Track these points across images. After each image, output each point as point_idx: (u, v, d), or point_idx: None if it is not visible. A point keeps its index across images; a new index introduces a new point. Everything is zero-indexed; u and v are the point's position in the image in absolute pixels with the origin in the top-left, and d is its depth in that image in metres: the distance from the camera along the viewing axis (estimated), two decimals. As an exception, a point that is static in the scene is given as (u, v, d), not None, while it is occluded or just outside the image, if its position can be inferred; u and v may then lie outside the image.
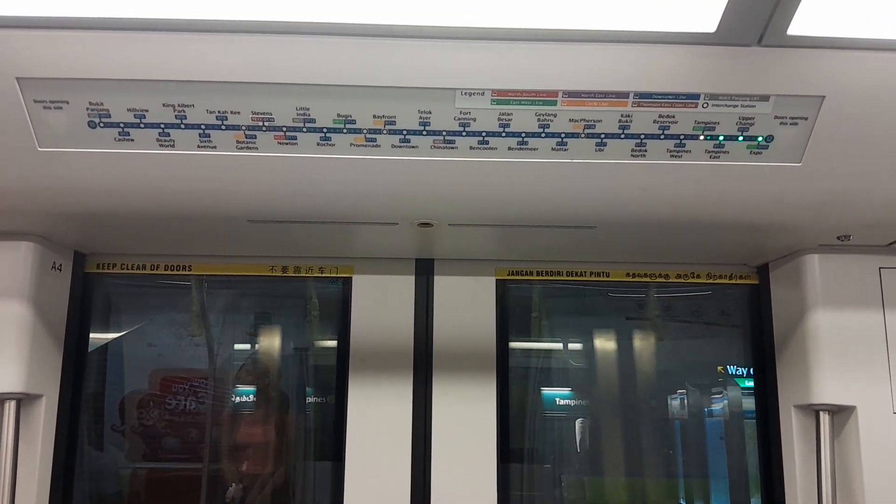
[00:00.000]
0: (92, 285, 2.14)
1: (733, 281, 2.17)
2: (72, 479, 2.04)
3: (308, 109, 1.42)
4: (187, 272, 2.15)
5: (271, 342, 2.37)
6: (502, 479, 2.00)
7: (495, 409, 2.03)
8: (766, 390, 2.08)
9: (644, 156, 1.50)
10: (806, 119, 1.44)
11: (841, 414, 1.87)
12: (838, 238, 1.83)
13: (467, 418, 2.02)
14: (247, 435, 2.26)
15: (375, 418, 2.02)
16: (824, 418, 1.86)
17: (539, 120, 1.44)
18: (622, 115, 1.43)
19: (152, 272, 2.13)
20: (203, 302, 2.23)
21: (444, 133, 1.46)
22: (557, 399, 2.33)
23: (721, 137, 1.47)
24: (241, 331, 2.37)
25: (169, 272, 2.14)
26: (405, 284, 2.10)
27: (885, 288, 1.90)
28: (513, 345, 2.18)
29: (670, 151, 1.49)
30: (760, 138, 1.47)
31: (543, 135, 1.46)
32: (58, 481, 1.95)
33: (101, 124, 1.44)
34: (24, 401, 1.86)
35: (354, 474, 1.98)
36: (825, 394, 1.85)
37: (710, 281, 2.18)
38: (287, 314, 2.37)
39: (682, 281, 2.18)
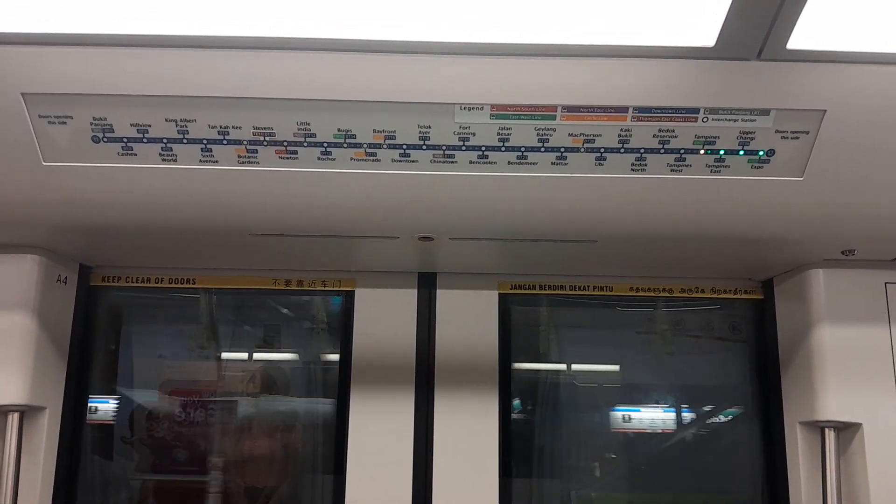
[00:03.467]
0: (97, 298, 2.16)
1: (738, 296, 2.15)
2: (74, 491, 2.04)
3: (309, 124, 1.43)
4: (192, 286, 2.15)
5: (279, 354, 2.37)
6: (504, 494, 1.98)
7: (497, 424, 2.01)
8: (770, 406, 2.06)
9: (644, 170, 1.49)
10: (807, 133, 1.43)
11: (847, 431, 1.84)
12: (843, 253, 1.82)
13: (469, 433, 2.01)
14: (252, 447, 2.26)
15: (377, 432, 2.01)
16: (830, 435, 1.83)
17: (538, 134, 1.44)
18: (622, 130, 1.43)
19: (157, 285, 2.14)
20: (212, 314, 2.24)
21: (444, 147, 1.46)
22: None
23: (722, 152, 1.47)
24: (249, 343, 2.36)
25: (173, 285, 2.15)
26: (408, 298, 2.10)
27: (890, 303, 1.87)
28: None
29: (670, 166, 1.49)
30: (761, 152, 1.47)
31: (543, 149, 1.46)
32: (60, 494, 1.95)
33: (105, 139, 1.46)
34: (27, 413, 1.86)
35: (355, 488, 1.97)
36: (830, 410, 1.83)
37: (715, 296, 2.16)
38: (296, 326, 2.37)
39: (686, 296, 2.17)
